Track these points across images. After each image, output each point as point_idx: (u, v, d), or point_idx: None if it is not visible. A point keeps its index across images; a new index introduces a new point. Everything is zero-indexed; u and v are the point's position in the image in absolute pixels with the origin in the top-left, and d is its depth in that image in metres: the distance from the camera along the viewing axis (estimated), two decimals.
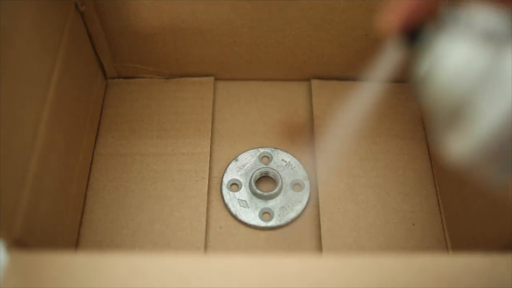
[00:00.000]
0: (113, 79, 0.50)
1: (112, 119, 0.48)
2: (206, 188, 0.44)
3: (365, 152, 0.46)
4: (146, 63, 0.48)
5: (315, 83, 0.50)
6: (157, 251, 0.41)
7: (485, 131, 0.19)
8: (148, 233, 0.42)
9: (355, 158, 0.45)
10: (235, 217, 0.43)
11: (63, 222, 0.39)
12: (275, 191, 0.43)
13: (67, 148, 0.40)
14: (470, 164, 0.20)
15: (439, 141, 0.21)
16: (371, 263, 0.27)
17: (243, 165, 0.45)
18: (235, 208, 0.43)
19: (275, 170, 0.45)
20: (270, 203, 0.43)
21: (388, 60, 0.22)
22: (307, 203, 0.44)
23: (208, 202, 0.43)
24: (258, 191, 0.43)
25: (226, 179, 0.45)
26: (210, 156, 0.46)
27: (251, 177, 0.44)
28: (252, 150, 0.46)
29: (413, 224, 0.42)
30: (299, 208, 0.43)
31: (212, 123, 0.48)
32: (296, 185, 0.45)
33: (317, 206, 0.43)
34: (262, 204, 0.43)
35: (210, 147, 0.46)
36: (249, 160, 0.46)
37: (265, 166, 0.45)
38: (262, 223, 0.42)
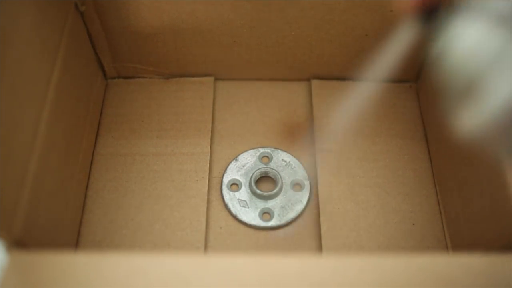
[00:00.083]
0: (113, 79, 0.50)
1: (112, 119, 0.48)
2: (206, 188, 0.44)
3: (365, 152, 0.46)
4: (146, 63, 0.48)
5: (315, 83, 0.50)
6: (157, 251, 0.41)
7: (497, 107, 0.19)
8: (148, 233, 0.42)
9: (355, 158, 0.45)
10: (235, 217, 0.43)
11: (63, 222, 0.39)
12: (275, 191, 0.43)
13: (67, 148, 0.40)
14: (481, 139, 0.21)
15: (452, 117, 0.21)
16: (371, 263, 0.27)
17: (243, 165, 0.45)
18: (235, 208, 0.43)
19: (275, 170, 0.45)
20: (270, 203, 0.43)
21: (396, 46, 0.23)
22: (307, 203, 0.44)
23: (208, 202, 0.43)
24: (258, 191, 0.43)
25: (226, 179, 0.45)
26: (210, 156, 0.46)
27: (251, 177, 0.44)
28: (252, 150, 0.46)
29: (413, 224, 0.42)
30: (299, 208, 0.43)
31: (212, 123, 0.48)
32: (296, 185, 0.45)
33: (317, 206, 0.43)
34: (262, 204, 0.43)
35: (210, 147, 0.46)
36: (249, 160, 0.46)
37: (265, 166, 0.45)
38: (262, 223, 0.42)
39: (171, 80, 0.50)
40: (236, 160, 0.46)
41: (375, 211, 0.43)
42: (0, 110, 0.29)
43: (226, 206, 0.43)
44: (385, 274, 0.27)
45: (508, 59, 0.19)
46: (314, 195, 0.44)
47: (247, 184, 0.44)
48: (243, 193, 0.44)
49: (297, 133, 0.48)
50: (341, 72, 0.49)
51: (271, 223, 0.43)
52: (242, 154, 0.46)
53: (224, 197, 0.44)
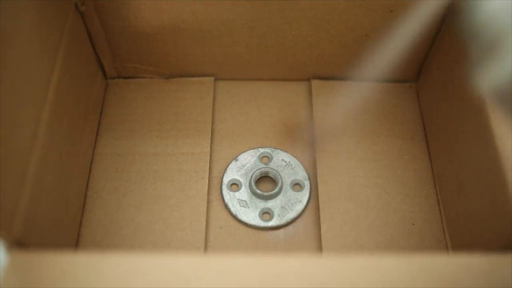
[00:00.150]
0: (113, 79, 0.50)
1: (112, 119, 0.48)
2: (206, 188, 0.44)
3: (365, 152, 0.46)
4: (146, 63, 0.48)
5: (315, 83, 0.50)
6: (157, 251, 0.41)
7: None
8: (148, 233, 0.42)
9: (355, 158, 0.45)
10: (235, 217, 0.43)
11: (63, 222, 0.39)
12: (275, 191, 0.43)
13: (67, 148, 0.40)
14: (504, 93, 0.20)
15: (475, 71, 0.21)
16: (371, 263, 0.27)
17: (243, 165, 0.45)
18: (235, 208, 0.43)
19: (275, 170, 0.45)
20: (270, 203, 0.43)
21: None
22: (307, 203, 0.44)
23: (208, 202, 0.43)
24: (258, 191, 0.43)
25: (226, 179, 0.45)
26: (210, 156, 0.46)
27: (251, 177, 0.44)
28: (252, 150, 0.46)
29: (413, 224, 0.42)
30: (299, 208, 0.43)
31: (212, 123, 0.48)
32: (296, 185, 0.45)
33: (317, 206, 0.43)
34: (262, 204, 0.43)
35: (210, 147, 0.46)
36: (249, 160, 0.46)
37: (265, 166, 0.45)
38: (262, 223, 0.42)
39: (171, 80, 0.50)
40: (236, 160, 0.46)
41: (375, 211, 0.43)
42: (0, 110, 0.29)
43: (226, 206, 0.43)
44: (385, 274, 0.27)
45: None
46: (314, 195, 0.44)
47: (247, 184, 0.44)
48: (243, 193, 0.44)
49: (297, 133, 0.48)
50: (341, 72, 0.49)
51: (271, 223, 0.43)
52: (242, 154, 0.46)
53: (224, 197, 0.44)
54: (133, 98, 0.49)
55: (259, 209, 0.43)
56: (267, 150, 0.46)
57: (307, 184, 0.44)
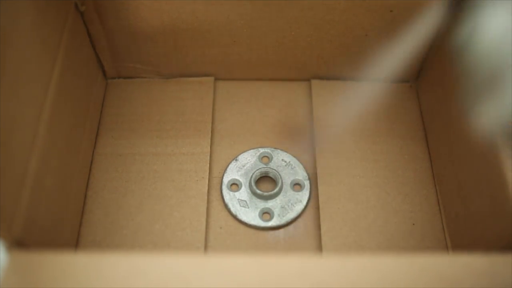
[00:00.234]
0: (113, 79, 0.50)
1: (112, 119, 0.48)
2: (206, 188, 0.44)
3: (365, 152, 0.46)
4: (146, 63, 0.48)
5: (315, 83, 0.50)
6: (157, 251, 0.41)
7: None
8: (148, 233, 0.42)
9: (355, 158, 0.45)
10: (235, 217, 0.43)
11: (63, 222, 0.39)
12: (275, 191, 0.43)
13: (67, 148, 0.40)
14: (501, 131, 0.20)
15: (471, 107, 0.20)
16: (371, 263, 0.27)
17: (243, 165, 0.45)
18: (235, 208, 0.43)
19: (275, 170, 0.45)
20: (270, 203, 0.43)
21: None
22: (307, 203, 0.44)
23: (208, 202, 0.43)
24: (258, 191, 0.43)
25: (226, 179, 0.45)
26: (210, 156, 0.46)
27: (251, 177, 0.44)
28: (252, 150, 0.46)
29: (413, 224, 0.42)
30: (299, 208, 0.43)
31: (212, 123, 0.48)
32: (296, 185, 0.45)
33: (317, 206, 0.43)
34: (262, 204, 0.43)
35: (210, 147, 0.46)
36: (249, 160, 0.46)
37: (265, 166, 0.45)
38: (262, 223, 0.42)
39: (171, 80, 0.50)
40: (236, 160, 0.46)
41: (375, 211, 0.43)
42: (0, 110, 0.29)
43: (226, 206, 0.43)
44: (385, 274, 0.27)
45: None
46: (314, 195, 0.44)
47: (247, 184, 0.44)
48: (243, 193, 0.44)
49: (297, 133, 0.48)
50: (341, 72, 0.49)
51: (271, 223, 0.43)
52: (242, 154, 0.46)
53: (224, 197, 0.44)
54: (133, 98, 0.49)
55: (259, 209, 0.43)
56: (267, 150, 0.46)
57: (307, 184, 0.44)
